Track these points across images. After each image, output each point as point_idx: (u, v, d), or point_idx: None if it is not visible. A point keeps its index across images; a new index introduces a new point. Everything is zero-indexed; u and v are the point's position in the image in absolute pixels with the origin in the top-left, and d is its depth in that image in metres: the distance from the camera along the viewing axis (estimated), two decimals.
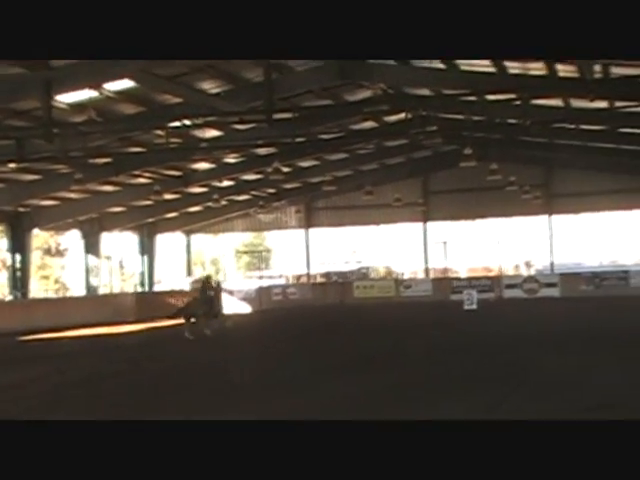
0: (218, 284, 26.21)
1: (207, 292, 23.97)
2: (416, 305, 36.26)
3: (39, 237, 52.11)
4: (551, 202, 42.17)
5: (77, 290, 41.59)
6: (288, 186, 42.37)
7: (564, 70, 21.68)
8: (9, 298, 36.00)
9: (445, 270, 47.78)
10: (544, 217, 43.19)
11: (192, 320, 23.39)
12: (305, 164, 38.23)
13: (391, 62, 22.72)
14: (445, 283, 42.83)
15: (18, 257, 34.99)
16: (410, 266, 54.50)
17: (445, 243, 45.87)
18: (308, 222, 46.74)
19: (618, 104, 24.68)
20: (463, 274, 51.46)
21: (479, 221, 47.60)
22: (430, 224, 45.24)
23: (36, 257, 50.33)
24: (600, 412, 8.64)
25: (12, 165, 24.99)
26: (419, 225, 45.41)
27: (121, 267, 50.62)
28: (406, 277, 51.32)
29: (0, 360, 19.37)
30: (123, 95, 22.18)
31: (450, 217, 45.51)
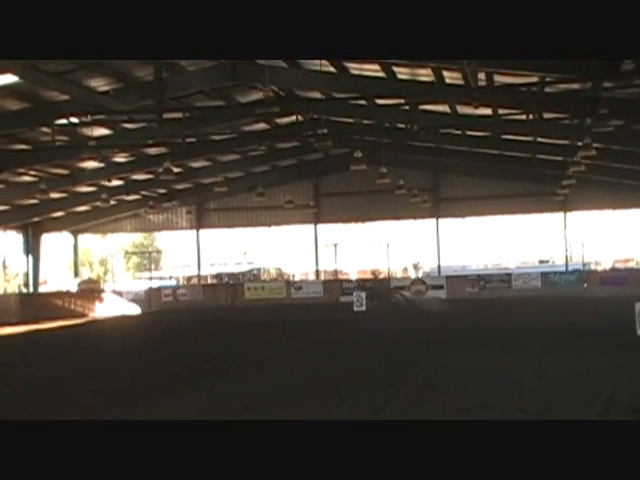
0: None
1: None
2: (306, 307, 36.47)
3: None
4: (439, 206, 43.17)
5: None
6: (179, 186, 41.98)
7: (450, 77, 22.28)
8: None
9: (336, 272, 48.29)
10: (432, 220, 44.15)
11: None
12: (196, 165, 37.98)
13: (282, 64, 22.87)
14: (335, 285, 43.28)
15: None
16: (301, 268, 54.94)
17: (336, 245, 46.35)
18: (199, 223, 46.41)
19: (501, 111, 25.54)
20: (353, 276, 52.16)
21: (369, 224, 48.39)
22: (321, 226, 45.61)
23: None
24: (475, 412, 8.91)
25: None
26: (310, 227, 45.72)
27: (4, 267, 49.09)
28: (297, 279, 51.67)
29: None
30: (7, 90, 21.56)
31: (341, 220, 46.10)
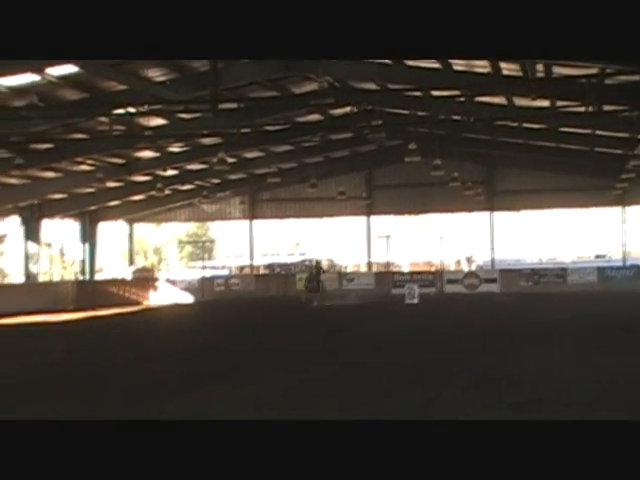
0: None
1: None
2: (358, 298, 36.42)
3: None
4: (493, 199, 42.75)
5: (16, 277, 40.90)
6: (232, 177, 42.21)
7: (508, 68, 22.00)
8: None
9: (387, 264, 48.15)
10: (486, 214, 43.76)
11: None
12: (250, 155, 38.13)
13: None
14: (387, 277, 43.14)
15: None
16: (353, 259, 54.84)
17: (388, 237, 46.20)
18: (252, 213, 46.61)
19: (559, 103, 25.13)
20: (405, 268, 51.97)
21: (422, 216, 48.12)
22: (373, 218, 45.49)
23: None
24: (529, 408, 8.81)
25: None
26: (362, 219, 45.63)
27: (61, 254, 49.92)
28: (349, 270, 51.61)
29: None
30: (66, 80, 21.84)
31: (393, 211, 45.93)
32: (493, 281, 40.71)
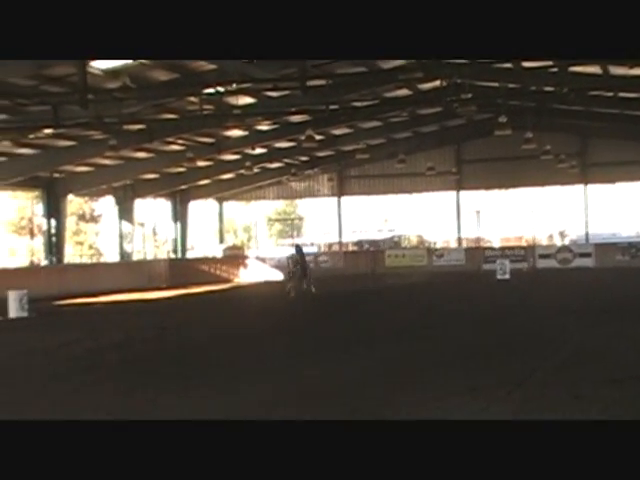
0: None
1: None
2: (448, 275, 36.14)
3: (74, 203, 52.61)
4: (587, 171, 41.70)
5: (111, 256, 41.93)
6: (321, 154, 42.26)
7: None
8: (44, 263, 36.40)
9: (478, 239, 47.56)
10: (579, 186, 42.75)
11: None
12: (338, 132, 38.07)
13: None
14: (478, 252, 42.64)
15: (53, 222, 35.32)
16: (442, 235, 54.36)
17: (478, 212, 45.59)
18: (340, 190, 46.62)
19: None
20: (496, 244, 51.22)
21: (513, 190, 47.27)
22: (463, 193, 44.94)
23: (71, 223, 50.79)
24: (626, 384, 8.58)
25: (48, 131, 25.18)
26: (452, 194, 45.13)
27: (154, 233, 50.94)
28: (438, 246, 51.18)
29: (34, 325, 19.60)
30: (156, 61, 22.10)
31: (483, 186, 45.24)
32: (587, 255, 39.78)
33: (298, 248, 27.34)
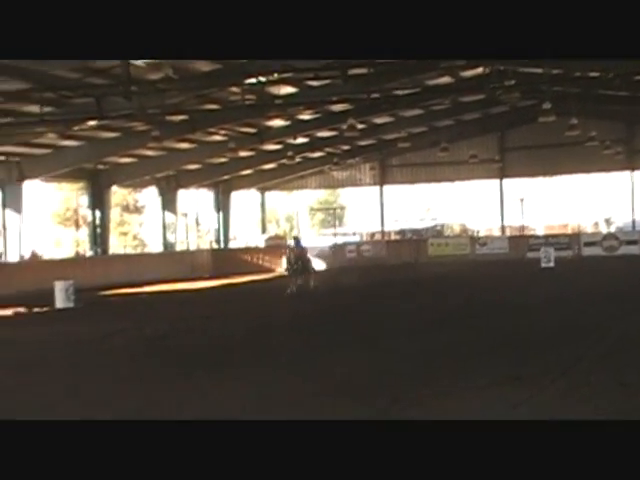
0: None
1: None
2: (491, 263, 35.88)
3: (118, 194, 53.13)
4: (633, 157, 41.03)
5: (154, 246, 42.30)
6: (362, 143, 42.16)
7: None
8: (89, 254, 36.87)
9: (522, 228, 47.15)
10: (626, 173, 42.14)
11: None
12: (380, 121, 37.94)
13: None
14: (522, 241, 42.25)
15: (98, 214, 35.75)
16: (485, 223, 54.00)
17: (522, 200, 45.16)
18: (382, 179, 46.48)
19: None
20: (540, 232, 50.75)
21: (557, 178, 46.74)
22: (506, 181, 44.53)
23: (115, 214, 51.38)
24: None
25: (92, 123, 25.45)
26: (495, 182, 44.75)
27: (197, 224, 51.22)
28: (481, 235, 50.84)
29: (80, 315, 19.87)
30: None
31: (527, 174, 44.73)
32: (634, 243, 39.19)
33: (297, 241, 25.92)
